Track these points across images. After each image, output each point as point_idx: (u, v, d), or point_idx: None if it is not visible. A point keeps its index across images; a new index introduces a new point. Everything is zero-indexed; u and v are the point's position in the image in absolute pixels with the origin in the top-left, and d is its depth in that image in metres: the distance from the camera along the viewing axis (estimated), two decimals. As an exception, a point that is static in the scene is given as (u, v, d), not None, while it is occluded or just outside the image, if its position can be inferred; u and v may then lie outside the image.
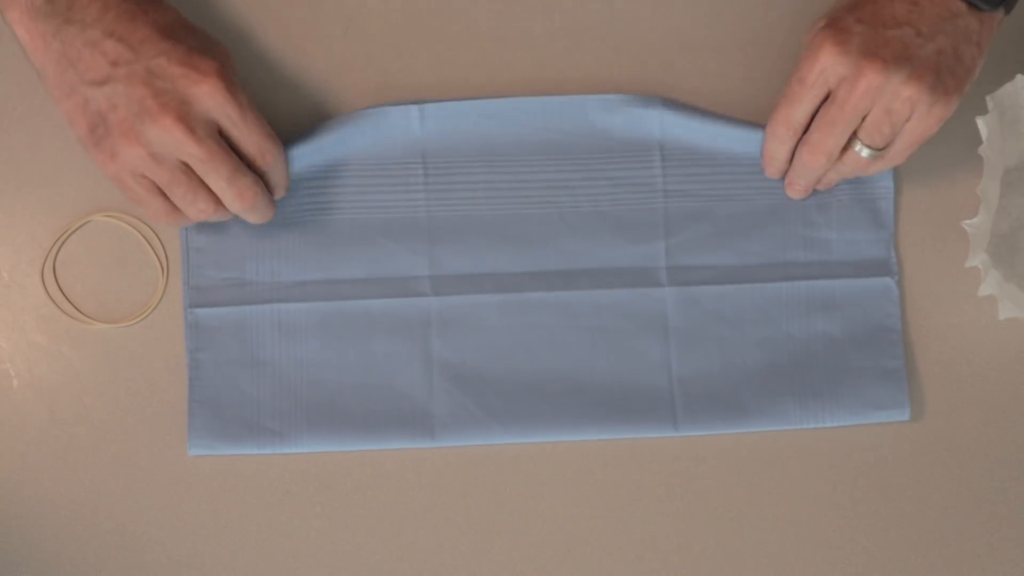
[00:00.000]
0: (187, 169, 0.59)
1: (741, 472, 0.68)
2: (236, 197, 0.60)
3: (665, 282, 0.67)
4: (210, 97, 0.58)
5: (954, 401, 0.68)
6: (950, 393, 0.68)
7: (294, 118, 0.68)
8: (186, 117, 0.58)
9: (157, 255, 0.67)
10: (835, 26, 0.61)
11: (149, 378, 0.67)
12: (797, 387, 0.67)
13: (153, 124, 0.58)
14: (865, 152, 0.62)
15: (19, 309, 0.67)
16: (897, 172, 0.69)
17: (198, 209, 0.61)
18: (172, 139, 0.58)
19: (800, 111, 0.62)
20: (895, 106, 0.60)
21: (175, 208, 0.61)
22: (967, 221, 0.64)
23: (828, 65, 0.60)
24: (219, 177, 0.59)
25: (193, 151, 0.58)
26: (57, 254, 0.67)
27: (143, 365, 0.67)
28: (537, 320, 0.67)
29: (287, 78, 0.68)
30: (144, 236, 0.67)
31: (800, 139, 0.64)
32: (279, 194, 0.65)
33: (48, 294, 0.67)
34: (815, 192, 0.68)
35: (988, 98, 0.64)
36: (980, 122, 0.64)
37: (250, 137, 0.60)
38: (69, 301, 0.67)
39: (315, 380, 0.66)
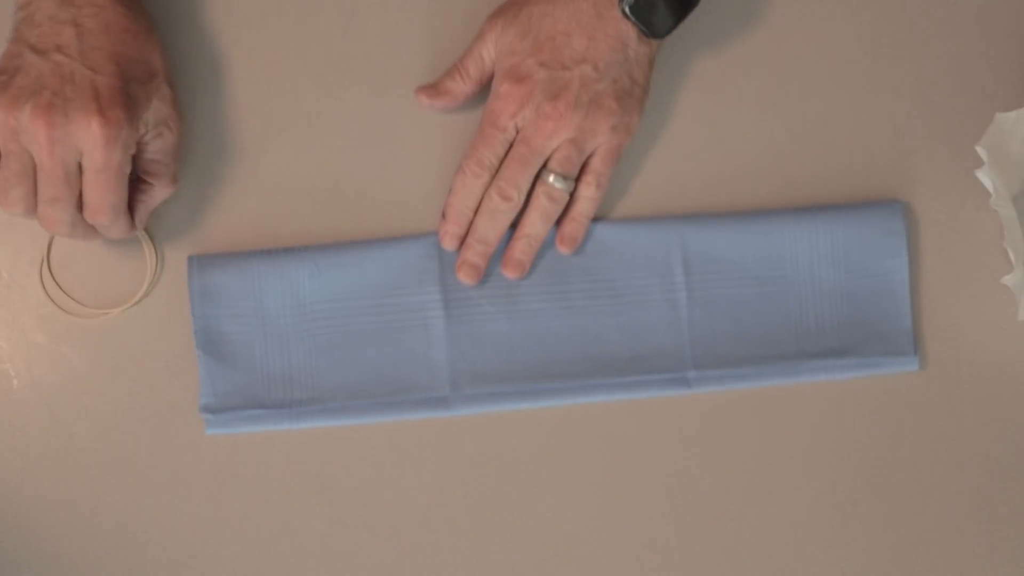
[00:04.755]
0: (26, 161, 0.59)
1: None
2: (44, 217, 0.60)
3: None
4: (88, 135, 0.58)
5: (955, 401, 0.69)
6: (952, 393, 0.68)
7: (294, 118, 0.68)
8: (56, 126, 0.58)
9: (157, 254, 0.67)
10: (518, 73, 0.64)
11: (148, 378, 0.67)
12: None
13: (27, 114, 0.58)
14: (559, 184, 0.65)
15: (19, 309, 0.67)
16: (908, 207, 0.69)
17: (10, 199, 0.60)
18: (32, 134, 0.58)
19: (493, 153, 0.65)
20: (580, 136, 0.64)
21: None
22: (1006, 278, 0.65)
23: (516, 111, 0.64)
24: (44, 190, 0.59)
25: (42, 156, 0.58)
26: (57, 254, 0.67)
27: (142, 365, 0.67)
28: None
29: (287, 78, 0.68)
30: (144, 235, 0.67)
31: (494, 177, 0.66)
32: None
33: (48, 294, 0.67)
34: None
35: (978, 148, 0.63)
36: (981, 175, 0.63)
37: (96, 189, 0.60)
38: (69, 296, 0.67)
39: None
